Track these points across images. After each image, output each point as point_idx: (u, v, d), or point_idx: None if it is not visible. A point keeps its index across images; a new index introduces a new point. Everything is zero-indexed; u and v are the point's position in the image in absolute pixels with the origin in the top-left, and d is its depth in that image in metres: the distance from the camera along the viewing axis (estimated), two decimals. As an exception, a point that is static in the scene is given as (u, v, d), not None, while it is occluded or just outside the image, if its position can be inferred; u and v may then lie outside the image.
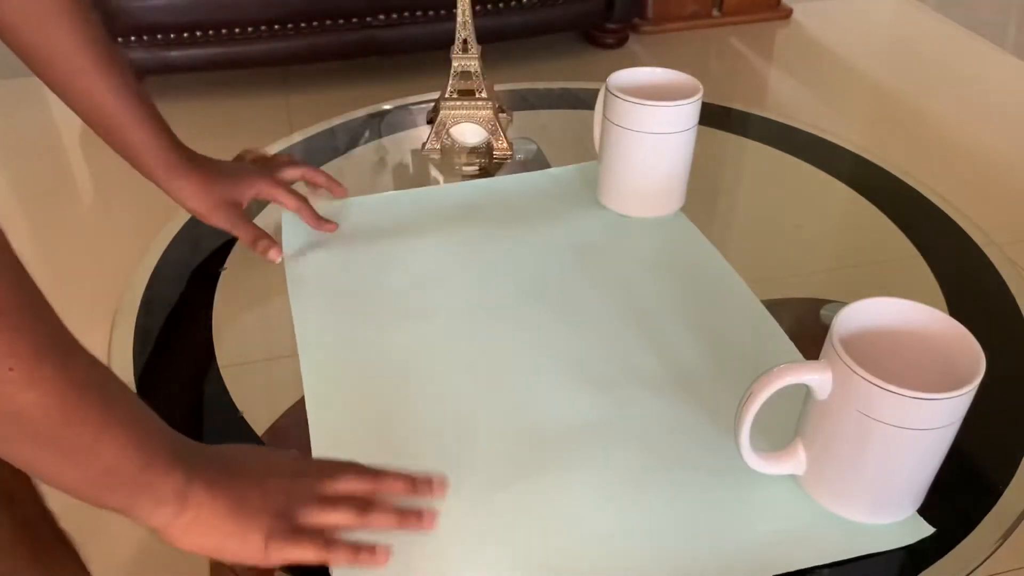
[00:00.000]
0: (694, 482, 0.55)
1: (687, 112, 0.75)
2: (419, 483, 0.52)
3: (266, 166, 0.80)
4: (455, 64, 0.91)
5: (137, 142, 0.71)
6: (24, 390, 0.36)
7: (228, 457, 0.49)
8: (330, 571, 0.49)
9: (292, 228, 0.79)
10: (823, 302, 0.73)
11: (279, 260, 0.75)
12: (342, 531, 0.49)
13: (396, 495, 0.51)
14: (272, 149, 0.91)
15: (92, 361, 0.40)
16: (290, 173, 0.81)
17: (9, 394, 0.35)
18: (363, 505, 0.50)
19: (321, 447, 0.58)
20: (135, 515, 0.44)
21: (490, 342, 0.66)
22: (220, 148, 0.83)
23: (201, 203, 0.74)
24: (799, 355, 0.65)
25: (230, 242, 0.78)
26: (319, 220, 0.78)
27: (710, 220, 0.82)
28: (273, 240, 0.75)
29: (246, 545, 0.46)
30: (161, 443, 0.44)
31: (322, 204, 0.81)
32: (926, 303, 0.52)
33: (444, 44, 0.94)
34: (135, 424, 0.42)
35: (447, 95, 0.92)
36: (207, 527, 0.45)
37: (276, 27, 2.03)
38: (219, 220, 0.75)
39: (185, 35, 1.99)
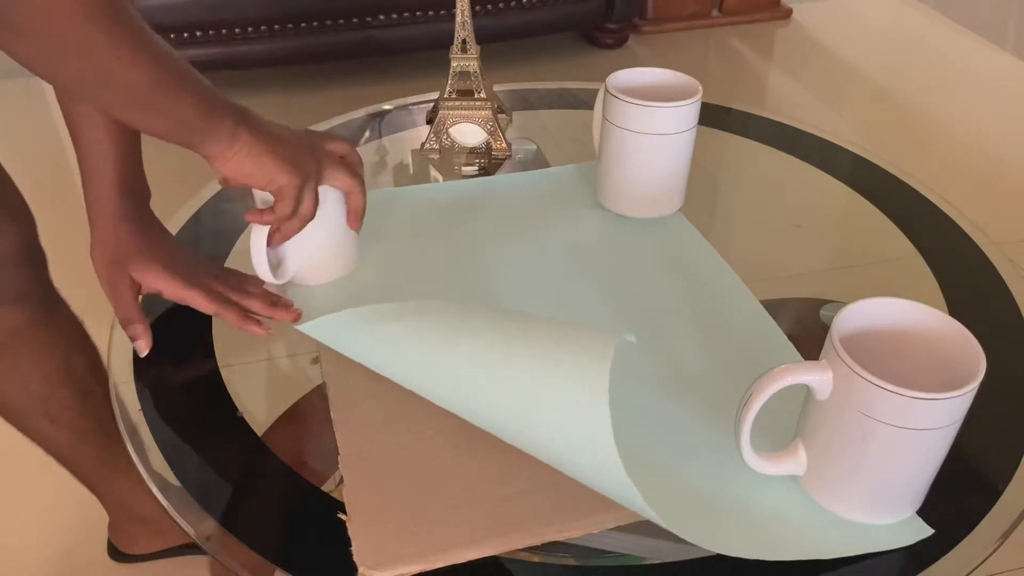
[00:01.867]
0: (694, 482, 0.55)
1: (686, 113, 0.75)
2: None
3: (220, 277, 0.70)
4: (454, 64, 0.91)
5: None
6: (128, 69, 0.51)
7: (262, 119, 0.62)
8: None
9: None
10: (823, 302, 0.73)
11: (145, 352, 0.66)
12: None
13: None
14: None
15: (166, 45, 0.54)
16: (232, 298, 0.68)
17: (120, 72, 0.51)
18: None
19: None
20: (200, 150, 0.58)
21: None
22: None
23: (103, 253, 0.68)
24: (799, 355, 0.65)
25: (229, 243, 0.78)
26: (242, 320, 0.66)
27: (710, 220, 0.82)
28: (146, 328, 0.66)
29: (274, 177, 0.61)
30: (217, 101, 0.58)
31: None
32: (926, 303, 0.52)
33: (444, 44, 0.94)
34: (199, 88, 0.57)
35: (446, 95, 0.92)
36: (247, 158, 0.60)
37: (276, 27, 2.03)
38: (104, 279, 0.67)
39: (185, 35, 1.99)
